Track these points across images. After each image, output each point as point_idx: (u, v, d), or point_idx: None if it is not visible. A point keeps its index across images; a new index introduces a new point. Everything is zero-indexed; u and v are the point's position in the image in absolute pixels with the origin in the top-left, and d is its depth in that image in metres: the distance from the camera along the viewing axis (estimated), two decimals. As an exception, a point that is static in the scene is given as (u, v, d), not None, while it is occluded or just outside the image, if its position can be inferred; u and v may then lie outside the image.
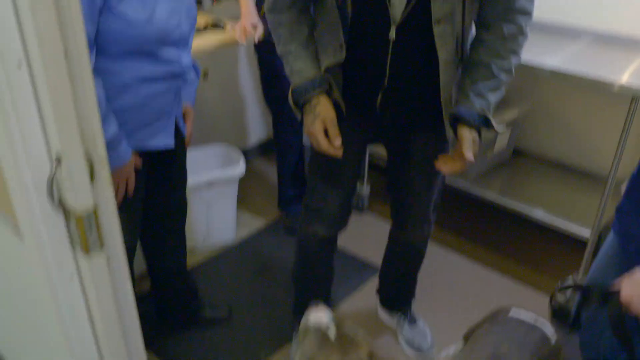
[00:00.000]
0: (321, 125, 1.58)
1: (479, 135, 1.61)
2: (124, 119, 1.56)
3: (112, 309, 1.20)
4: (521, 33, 1.56)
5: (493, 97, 1.60)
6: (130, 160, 1.59)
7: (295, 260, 2.13)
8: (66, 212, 1.05)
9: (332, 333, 1.31)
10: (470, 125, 1.58)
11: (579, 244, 2.55)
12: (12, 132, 0.97)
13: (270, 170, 3.58)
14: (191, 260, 2.33)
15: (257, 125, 3.66)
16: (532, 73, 2.83)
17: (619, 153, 2.22)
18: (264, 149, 3.75)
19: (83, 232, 1.06)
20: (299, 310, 2.23)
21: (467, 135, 1.57)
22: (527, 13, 1.54)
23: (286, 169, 2.88)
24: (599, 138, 2.80)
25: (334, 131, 1.55)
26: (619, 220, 1.35)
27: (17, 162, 1.00)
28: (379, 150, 3.08)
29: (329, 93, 1.62)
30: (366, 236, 2.90)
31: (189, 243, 2.25)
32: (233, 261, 2.77)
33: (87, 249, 1.09)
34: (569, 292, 1.88)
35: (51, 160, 1.00)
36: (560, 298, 2.01)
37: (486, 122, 1.60)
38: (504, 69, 1.58)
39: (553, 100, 2.89)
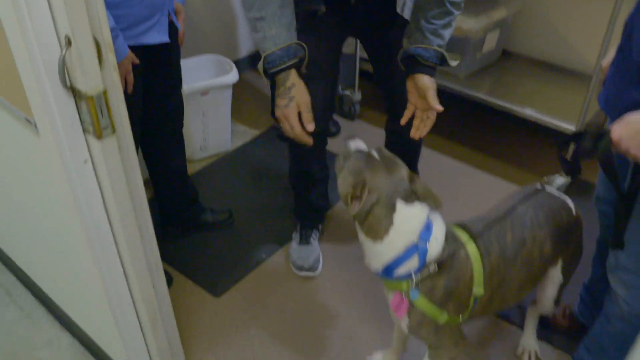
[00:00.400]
0: (296, 109, 1.62)
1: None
2: (116, 14, 1.58)
3: (124, 193, 1.27)
4: None
5: (447, 34, 1.67)
6: (127, 55, 1.63)
7: (290, 162, 2.20)
8: (77, 96, 1.10)
9: (375, 154, 1.40)
10: (430, 63, 1.65)
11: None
12: (22, 16, 1.00)
13: (261, 82, 3.59)
14: (190, 169, 2.39)
15: (247, 37, 3.65)
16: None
17: (604, 49, 2.26)
18: (255, 60, 3.72)
19: (95, 115, 1.11)
20: (299, 210, 2.34)
21: (430, 85, 1.65)
22: None
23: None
24: (585, 36, 2.83)
25: (309, 116, 1.58)
26: (605, 90, 1.41)
27: (29, 47, 1.03)
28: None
29: (299, 66, 1.63)
30: (359, 142, 2.97)
31: (187, 152, 2.32)
32: (230, 168, 2.84)
33: (99, 134, 1.15)
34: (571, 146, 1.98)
35: (60, 43, 1.03)
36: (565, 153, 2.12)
37: (443, 59, 1.67)
38: (455, 3, 1.63)
39: (540, 0, 2.90)
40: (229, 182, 2.75)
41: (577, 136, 1.33)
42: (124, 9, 1.61)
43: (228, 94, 2.75)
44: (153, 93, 1.94)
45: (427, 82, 1.66)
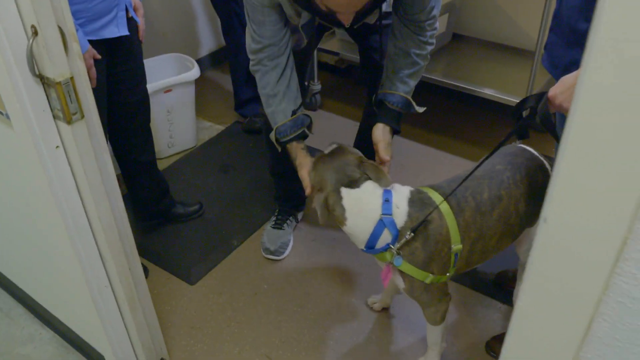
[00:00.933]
0: (305, 173, 1.73)
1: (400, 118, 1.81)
2: (75, 10, 1.65)
3: (96, 176, 1.34)
4: (430, 44, 1.78)
5: (414, 82, 1.80)
6: (88, 49, 1.70)
7: (269, 155, 2.29)
8: (46, 83, 1.17)
9: (327, 150, 1.59)
10: (396, 107, 1.78)
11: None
12: (-12, 9, 1.07)
13: (223, 79, 3.67)
14: (159, 166, 2.44)
15: (207, 35, 3.71)
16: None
17: (543, 26, 2.40)
18: (216, 58, 3.82)
19: (64, 101, 1.19)
20: (278, 196, 2.44)
21: (381, 138, 1.76)
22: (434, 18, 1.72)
23: (240, 69, 2.98)
24: (527, 15, 2.97)
25: (306, 183, 1.69)
26: (548, 54, 1.53)
27: (-3, 38, 1.10)
28: (327, 48, 3.20)
29: (305, 134, 1.80)
30: (322, 131, 3.06)
31: (155, 150, 2.38)
32: (198, 162, 2.91)
33: (69, 119, 1.22)
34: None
35: (27, 33, 1.10)
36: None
37: (409, 105, 1.81)
38: (421, 55, 1.77)
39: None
40: (197, 175, 2.82)
41: (523, 101, 1.43)
42: (81, 4, 1.68)
43: (191, 90, 2.82)
44: (117, 88, 2.00)
45: (378, 135, 1.77)
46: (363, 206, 1.49)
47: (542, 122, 1.35)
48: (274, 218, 2.42)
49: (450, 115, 3.18)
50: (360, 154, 1.61)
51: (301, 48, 1.92)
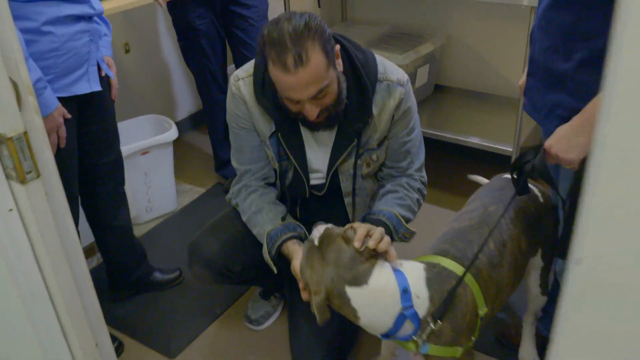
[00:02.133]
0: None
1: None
2: (43, 65, 1.58)
3: (55, 241, 1.21)
4: (421, 189, 1.77)
5: (402, 211, 1.67)
6: (57, 107, 1.61)
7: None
8: (-4, 139, 1.06)
9: (316, 241, 1.41)
10: (383, 218, 1.62)
11: (504, 159, 2.71)
12: None
13: (203, 141, 3.57)
14: (137, 232, 2.33)
15: (186, 97, 3.66)
16: (442, 7, 2.97)
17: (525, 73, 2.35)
18: (195, 120, 3.75)
19: (17, 158, 1.07)
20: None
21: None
22: (420, 169, 1.76)
23: (217, 127, 2.90)
24: (508, 62, 2.95)
25: (300, 284, 1.51)
26: (528, 99, 1.47)
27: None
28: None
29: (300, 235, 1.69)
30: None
31: (132, 215, 2.26)
32: (178, 227, 2.78)
33: (23, 178, 1.10)
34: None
35: (-26, 84, 1.00)
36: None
37: (399, 223, 1.64)
38: (411, 199, 1.71)
39: (464, 32, 3.02)
40: (178, 241, 2.68)
41: (521, 156, 1.42)
42: (49, 59, 1.61)
43: (169, 151, 2.73)
44: (89, 149, 1.91)
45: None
46: (378, 303, 1.31)
47: (540, 174, 1.34)
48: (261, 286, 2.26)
49: (435, 166, 3.09)
50: (352, 234, 1.40)
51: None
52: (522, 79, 1.61)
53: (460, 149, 2.72)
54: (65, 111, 1.66)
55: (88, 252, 2.46)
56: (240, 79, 1.67)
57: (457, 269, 1.38)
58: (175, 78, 3.55)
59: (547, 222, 1.65)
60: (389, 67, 1.66)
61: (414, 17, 3.08)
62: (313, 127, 1.63)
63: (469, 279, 1.37)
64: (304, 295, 1.46)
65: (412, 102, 1.69)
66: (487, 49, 2.97)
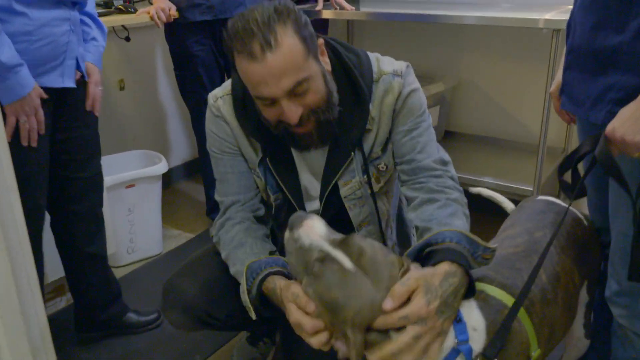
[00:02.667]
0: (294, 308, 1.11)
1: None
2: (16, 47, 1.43)
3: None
4: (448, 178, 1.37)
5: (466, 224, 1.26)
6: (34, 86, 1.47)
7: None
8: None
9: (345, 261, 0.99)
10: (451, 243, 1.12)
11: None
12: None
13: (196, 189, 3.39)
14: (116, 274, 2.10)
15: (180, 144, 3.50)
16: (454, 48, 2.86)
17: (545, 117, 2.22)
18: (189, 168, 3.57)
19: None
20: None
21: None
22: (443, 163, 1.39)
23: (211, 169, 2.71)
24: (523, 107, 2.81)
25: (304, 299, 1.08)
26: (567, 96, 1.34)
27: None
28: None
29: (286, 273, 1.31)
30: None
31: (112, 257, 2.05)
32: (162, 271, 2.52)
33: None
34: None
35: None
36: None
37: (474, 244, 1.12)
38: (458, 202, 1.32)
39: (477, 75, 2.90)
40: (159, 285, 2.41)
41: (573, 153, 1.22)
42: (21, 43, 1.45)
43: (157, 187, 2.52)
44: (64, 159, 1.73)
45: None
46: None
47: (604, 165, 1.11)
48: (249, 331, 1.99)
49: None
50: (382, 247, 1.06)
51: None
52: (554, 86, 1.50)
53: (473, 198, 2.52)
54: (42, 92, 1.49)
55: (57, 291, 2.20)
56: (219, 97, 1.43)
57: (506, 298, 1.12)
58: (170, 122, 3.40)
59: (593, 249, 1.43)
60: (383, 61, 1.41)
61: (424, 59, 2.97)
62: (303, 143, 1.35)
63: (521, 313, 1.11)
64: (320, 340, 1.05)
65: (416, 86, 1.41)
66: (501, 92, 2.85)
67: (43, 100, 1.54)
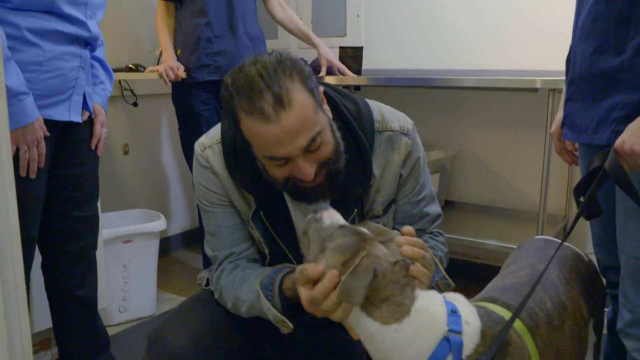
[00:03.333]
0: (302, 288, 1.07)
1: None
2: (26, 76, 1.46)
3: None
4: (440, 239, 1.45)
5: (440, 255, 1.39)
6: (38, 118, 1.48)
7: None
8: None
9: (364, 229, 1.04)
10: None
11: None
12: None
13: (194, 259, 3.35)
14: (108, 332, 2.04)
15: (181, 212, 3.50)
16: (453, 117, 2.92)
17: (544, 184, 2.24)
18: (188, 239, 3.55)
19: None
20: None
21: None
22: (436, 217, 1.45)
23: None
24: (524, 176, 2.82)
25: (310, 266, 1.04)
26: (569, 127, 1.37)
27: None
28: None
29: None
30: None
31: (104, 314, 1.99)
32: (153, 332, 2.44)
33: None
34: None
35: None
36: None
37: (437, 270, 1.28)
38: (441, 249, 1.42)
39: (476, 145, 2.94)
40: (150, 346, 2.34)
41: (588, 173, 1.20)
42: (30, 72, 1.49)
43: (154, 245, 2.50)
44: (61, 196, 1.72)
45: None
46: (428, 306, 0.99)
47: (614, 177, 1.11)
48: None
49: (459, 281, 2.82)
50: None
51: None
52: (554, 127, 1.55)
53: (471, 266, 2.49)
54: (45, 128, 1.50)
55: (42, 343, 2.12)
56: (207, 147, 1.35)
57: (507, 314, 1.08)
58: (172, 190, 3.42)
59: (597, 286, 1.40)
60: (388, 113, 1.37)
61: (424, 126, 2.95)
62: (313, 196, 1.25)
63: (522, 329, 1.08)
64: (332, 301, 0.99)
65: (421, 152, 1.41)
66: (500, 161, 2.87)
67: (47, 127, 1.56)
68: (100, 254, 1.97)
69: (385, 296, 0.96)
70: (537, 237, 1.51)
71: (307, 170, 1.15)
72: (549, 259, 1.28)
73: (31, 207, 1.58)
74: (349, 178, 1.28)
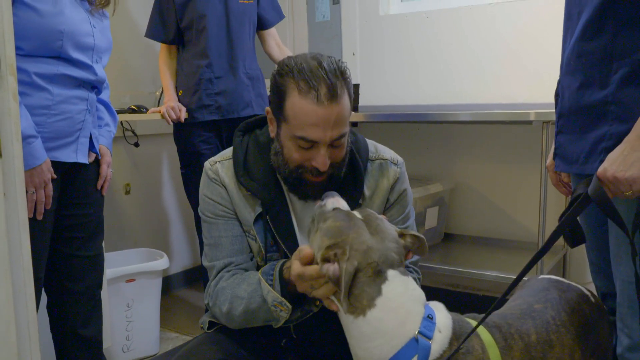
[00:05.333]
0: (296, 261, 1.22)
1: None
2: (35, 120, 1.50)
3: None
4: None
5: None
6: (46, 160, 1.51)
7: None
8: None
9: (357, 214, 1.18)
10: None
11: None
12: None
13: (195, 297, 3.35)
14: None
15: (182, 251, 3.50)
16: (450, 151, 2.96)
17: (542, 215, 2.28)
18: (189, 277, 3.54)
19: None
20: None
21: None
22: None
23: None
24: (521, 207, 2.86)
25: (306, 246, 1.20)
26: (560, 158, 1.41)
27: None
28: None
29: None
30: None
31: (107, 352, 2.00)
32: (157, 372, 2.44)
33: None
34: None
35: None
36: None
37: None
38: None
39: (472, 178, 2.98)
40: (154, 385, 2.34)
41: (572, 200, 1.25)
42: (39, 116, 1.54)
43: (157, 283, 2.51)
44: (67, 236, 1.75)
45: None
46: (402, 303, 1.04)
47: (598, 203, 1.16)
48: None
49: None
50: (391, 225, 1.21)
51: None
52: (549, 160, 1.59)
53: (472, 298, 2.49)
54: (52, 170, 1.54)
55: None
56: (217, 162, 1.46)
57: (483, 331, 1.13)
58: (173, 229, 3.43)
59: (601, 329, 1.39)
60: (381, 147, 1.53)
61: (422, 161, 3.05)
62: (309, 192, 1.38)
63: (489, 342, 1.11)
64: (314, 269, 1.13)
65: (408, 187, 1.51)
66: (497, 193, 2.91)
67: (53, 169, 1.59)
68: (104, 293, 1.99)
69: (355, 288, 1.04)
70: (541, 276, 1.52)
71: (324, 161, 1.30)
72: (550, 301, 1.31)
73: (38, 248, 1.60)
74: (343, 190, 1.37)
